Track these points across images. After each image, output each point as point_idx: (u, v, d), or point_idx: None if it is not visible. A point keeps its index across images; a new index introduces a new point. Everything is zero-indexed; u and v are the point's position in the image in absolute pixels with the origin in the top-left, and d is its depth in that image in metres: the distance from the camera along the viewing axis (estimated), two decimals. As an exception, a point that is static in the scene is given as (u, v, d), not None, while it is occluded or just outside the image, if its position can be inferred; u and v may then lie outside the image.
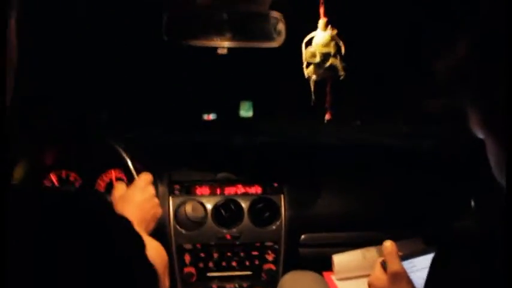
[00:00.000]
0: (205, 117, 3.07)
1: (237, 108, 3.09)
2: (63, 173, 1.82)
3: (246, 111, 3.15)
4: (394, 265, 1.09)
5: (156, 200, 1.33)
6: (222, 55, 1.50)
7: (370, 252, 1.56)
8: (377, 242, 1.19)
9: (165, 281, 0.94)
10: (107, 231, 0.61)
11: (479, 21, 0.73)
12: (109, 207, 0.67)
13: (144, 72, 2.54)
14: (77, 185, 1.81)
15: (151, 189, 1.32)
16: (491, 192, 0.79)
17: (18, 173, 1.69)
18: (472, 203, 1.73)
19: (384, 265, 1.13)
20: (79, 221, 0.58)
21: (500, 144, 0.72)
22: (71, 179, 1.82)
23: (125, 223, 0.75)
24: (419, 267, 1.14)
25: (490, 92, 0.70)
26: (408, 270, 1.10)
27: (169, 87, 2.66)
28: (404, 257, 1.14)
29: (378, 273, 1.13)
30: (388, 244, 1.13)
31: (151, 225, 1.27)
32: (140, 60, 2.48)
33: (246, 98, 3.08)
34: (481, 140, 0.77)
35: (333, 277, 1.57)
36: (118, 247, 0.62)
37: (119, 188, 1.33)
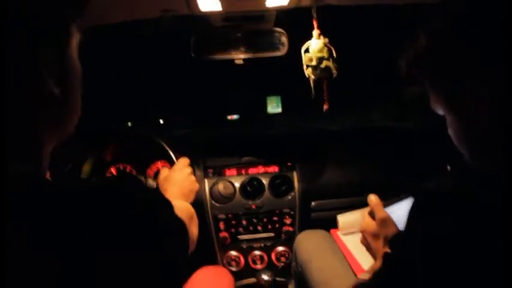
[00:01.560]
0: (229, 117, 3.02)
1: (263, 106, 2.93)
2: (121, 166, 1.89)
3: (274, 107, 2.95)
4: (380, 212, 1.12)
5: (192, 178, 1.33)
6: (239, 65, 1.55)
7: (367, 211, 1.58)
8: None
9: (191, 228, 0.94)
10: (140, 200, 0.62)
11: (431, 23, 0.75)
12: (141, 187, 0.68)
13: (182, 86, 2.57)
14: (133, 174, 1.86)
15: (187, 170, 1.34)
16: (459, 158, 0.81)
17: (86, 168, 1.76)
18: (448, 167, 1.76)
19: (371, 214, 1.15)
20: (119, 198, 0.59)
21: (456, 118, 0.74)
22: (127, 170, 1.89)
23: (154, 194, 0.81)
24: (397, 212, 1.16)
25: (445, 75, 0.73)
26: (390, 215, 1.12)
27: (200, 95, 2.69)
28: (384, 206, 1.16)
29: (368, 220, 1.14)
30: (373, 198, 1.16)
31: (191, 198, 1.28)
32: (182, 77, 2.51)
33: (262, 97, 2.93)
34: (442, 116, 0.78)
35: (339, 233, 1.57)
36: (149, 210, 0.63)
37: (163, 172, 1.34)
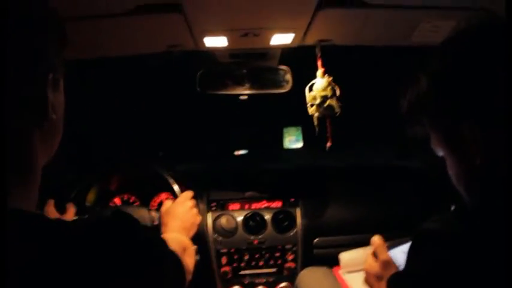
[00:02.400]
0: (236, 153, 2.83)
1: (279, 139, 2.53)
2: (125, 196, 1.89)
3: (292, 141, 2.46)
4: (382, 254, 1.10)
5: (195, 211, 1.33)
6: (243, 101, 1.56)
7: (370, 250, 1.56)
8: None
9: (185, 259, 0.95)
10: (134, 236, 0.64)
11: (431, 65, 0.78)
12: (136, 223, 0.69)
13: (187, 121, 2.58)
14: (136, 205, 1.86)
15: (190, 203, 1.33)
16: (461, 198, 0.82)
17: (91, 197, 1.77)
18: (452, 207, 1.74)
19: (374, 255, 1.13)
20: (115, 232, 0.61)
21: (455, 158, 0.76)
22: (131, 200, 1.89)
23: (147, 231, 0.85)
24: (398, 256, 1.13)
25: (444, 117, 0.75)
26: (393, 257, 1.10)
27: (206, 131, 2.69)
28: (389, 247, 1.14)
29: (371, 262, 1.13)
30: (376, 238, 1.14)
31: (193, 231, 1.28)
32: (185, 112, 2.53)
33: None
34: (441, 158, 0.80)
35: (340, 271, 1.56)
36: (142, 245, 0.65)
37: (166, 204, 1.35)
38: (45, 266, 0.50)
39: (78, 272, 0.52)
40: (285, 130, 2.47)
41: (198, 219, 1.34)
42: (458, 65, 0.72)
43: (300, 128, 2.44)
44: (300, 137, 2.44)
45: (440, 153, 0.80)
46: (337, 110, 1.43)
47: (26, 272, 0.48)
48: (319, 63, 1.43)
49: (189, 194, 1.39)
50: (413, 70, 0.82)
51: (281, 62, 1.61)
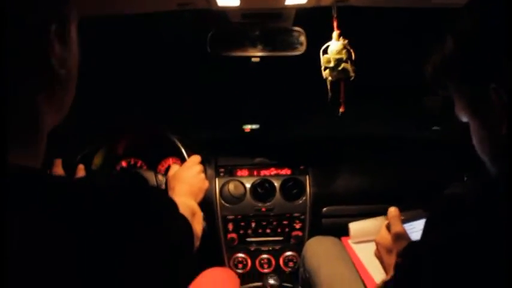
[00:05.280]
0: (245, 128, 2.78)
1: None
2: (132, 160, 1.88)
3: None
4: (396, 226, 1.06)
5: (202, 176, 1.28)
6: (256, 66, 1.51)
7: (380, 221, 1.53)
8: (385, 213, 1.17)
9: (194, 225, 0.91)
10: (144, 198, 0.61)
11: (458, 25, 0.73)
12: (144, 184, 0.66)
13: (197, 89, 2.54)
14: (143, 169, 1.84)
15: (197, 167, 1.29)
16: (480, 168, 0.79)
17: (97, 160, 1.75)
18: (465, 178, 1.71)
19: (388, 227, 1.10)
20: (124, 193, 0.58)
21: (480, 125, 0.73)
22: (138, 164, 1.88)
23: (158, 193, 0.80)
24: (418, 228, 1.11)
25: (471, 81, 0.71)
26: (408, 231, 1.06)
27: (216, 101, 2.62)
28: (405, 221, 1.11)
29: (383, 233, 1.09)
30: (392, 209, 1.10)
31: (200, 196, 1.23)
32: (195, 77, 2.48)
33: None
34: (466, 123, 0.77)
35: (350, 241, 1.54)
36: (153, 207, 0.62)
37: (173, 169, 1.31)
38: (50, 224, 0.47)
39: (86, 231, 0.49)
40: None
41: (206, 184, 1.29)
42: (487, 24, 0.68)
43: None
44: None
45: (465, 119, 0.76)
46: (352, 74, 1.38)
47: (28, 229, 0.46)
48: (335, 24, 1.37)
49: (197, 158, 1.34)
50: (438, 32, 0.77)
51: (295, 24, 1.54)
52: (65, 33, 0.59)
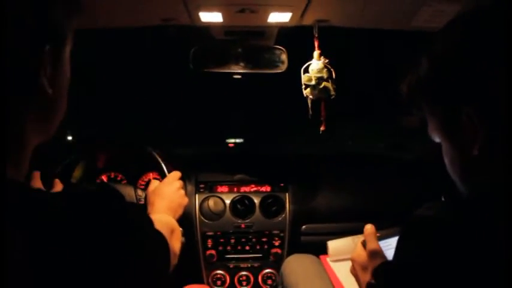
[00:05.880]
0: (229, 142, 2.65)
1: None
2: (112, 174, 1.86)
3: None
4: (371, 244, 1.05)
5: (182, 192, 1.28)
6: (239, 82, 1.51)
7: (358, 239, 1.53)
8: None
9: (172, 242, 0.91)
10: (118, 213, 0.61)
11: (434, 48, 0.75)
12: (120, 199, 0.65)
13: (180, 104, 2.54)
14: (123, 183, 1.82)
15: (177, 184, 1.28)
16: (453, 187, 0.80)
17: (77, 173, 1.73)
18: (442, 198, 1.72)
19: (364, 244, 1.09)
20: (98, 208, 0.58)
21: (451, 145, 0.73)
22: (118, 178, 1.86)
23: (134, 209, 0.78)
24: (393, 245, 1.06)
25: (443, 102, 0.72)
26: (384, 249, 1.06)
27: (199, 116, 2.62)
28: (381, 238, 1.10)
29: (359, 251, 1.08)
30: (368, 226, 1.10)
31: (179, 212, 1.22)
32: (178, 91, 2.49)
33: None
34: (438, 144, 0.78)
35: (328, 259, 1.53)
36: (127, 222, 0.61)
37: (153, 184, 1.30)
38: (28, 237, 0.47)
39: (59, 245, 0.49)
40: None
41: (186, 200, 1.28)
42: (462, 48, 0.69)
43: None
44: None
45: (437, 139, 0.77)
46: (333, 92, 1.42)
47: (11, 241, 0.46)
48: (316, 43, 1.40)
49: (177, 174, 1.34)
50: (414, 54, 0.78)
51: (277, 43, 1.57)
52: (59, 53, 0.60)
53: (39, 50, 0.55)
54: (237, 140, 2.58)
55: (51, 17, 0.57)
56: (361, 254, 1.08)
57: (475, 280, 0.59)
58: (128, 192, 1.52)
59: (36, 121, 0.58)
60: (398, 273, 0.69)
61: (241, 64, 1.54)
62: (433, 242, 0.65)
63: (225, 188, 1.86)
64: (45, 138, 0.62)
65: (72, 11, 0.61)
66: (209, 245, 1.79)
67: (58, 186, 1.33)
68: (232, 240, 1.80)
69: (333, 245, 1.54)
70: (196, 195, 1.83)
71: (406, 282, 0.66)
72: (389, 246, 1.11)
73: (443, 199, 1.68)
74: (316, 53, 1.40)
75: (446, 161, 0.76)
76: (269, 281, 1.82)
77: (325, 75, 1.39)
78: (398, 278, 0.68)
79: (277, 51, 1.55)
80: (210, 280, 1.81)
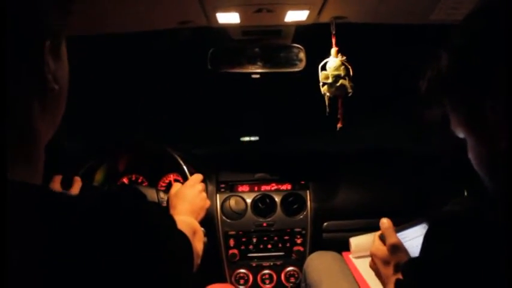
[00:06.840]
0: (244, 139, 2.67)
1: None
2: (133, 177, 1.87)
3: None
4: (391, 238, 1.06)
5: (204, 195, 1.29)
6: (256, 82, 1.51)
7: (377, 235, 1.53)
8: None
9: (195, 243, 0.92)
10: (141, 214, 0.60)
11: (454, 41, 0.73)
12: (144, 200, 0.66)
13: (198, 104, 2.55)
14: (144, 185, 1.83)
15: (199, 186, 1.30)
16: (478, 183, 0.78)
17: (98, 176, 1.75)
18: (465, 193, 1.70)
19: (382, 238, 1.09)
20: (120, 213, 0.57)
21: (477, 141, 0.72)
22: (139, 181, 1.87)
23: (157, 209, 0.78)
24: (410, 237, 1.10)
25: (466, 97, 0.70)
26: (402, 241, 1.06)
27: (217, 115, 2.63)
28: (397, 231, 1.10)
29: (378, 245, 1.09)
30: (385, 221, 1.10)
31: (201, 215, 1.24)
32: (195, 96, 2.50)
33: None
34: (463, 139, 0.76)
35: (351, 256, 1.54)
36: (150, 223, 0.61)
37: (174, 187, 1.31)
38: (47, 238, 0.47)
39: (81, 247, 0.49)
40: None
41: (208, 203, 1.30)
42: (484, 39, 0.67)
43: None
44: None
45: (461, 135, 0.75)
46: (350, 90, 1.41)
47: (27, 244, 0.46)
48: (333, 41, 1.39)
49: (198, 177, 1.35)
50: (434, 47, 0.76)
51: (294, 41, 1.57)
52: (58, 48, 0.60)
53: (41, 45, 0.56)
54: (252, 138, 2.59)
55: (49, 13, 0.57)
56: (380, 248, 1.08)
57: (506, 280, 0.58)
58: (150, 194, 1.54)
59: (43, 117, 0.59)
60: (429, 271, 0.68)
61: (259, 63, 1.53)
62: (467, 240, 0.63)
63: (245, 187, 1.87)
64: (51, 134, 0.63)
65: (67, 4, 0.61)
66: (231, 245, 1.80)
67: (77, 186, 1.35)
68: (254, 239, 1.80)
69: (355, 241, 1.54)
70: (217, 195, 1.84)
71: (439, 280, 0.65)
72: (406, 238, 1.10)
73: (466, 193, 1.67)
74: (333, 50, 1.39)
75: (472, 156, 0.74)
76: (292, 279, 1.81)
77: (342, 73, 1.38)
78: (430, 275, 0.67)
79: (295, 50, 1.54)
80: (233, 279, 1.82)
